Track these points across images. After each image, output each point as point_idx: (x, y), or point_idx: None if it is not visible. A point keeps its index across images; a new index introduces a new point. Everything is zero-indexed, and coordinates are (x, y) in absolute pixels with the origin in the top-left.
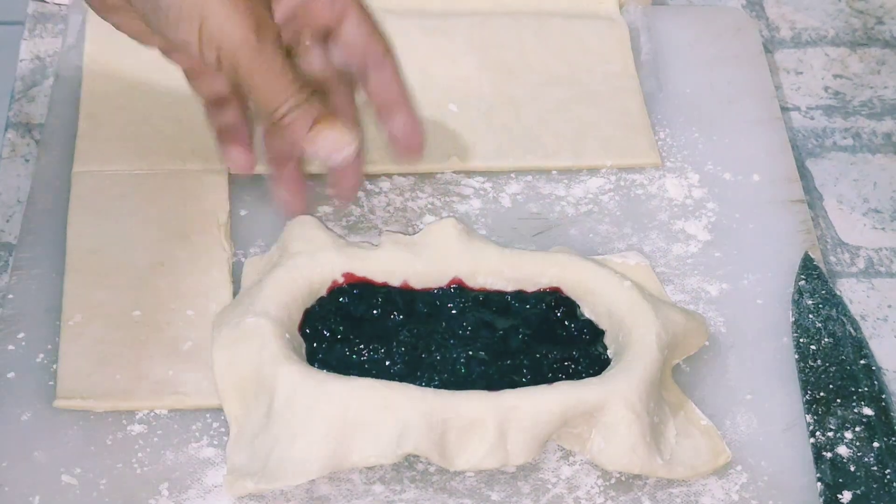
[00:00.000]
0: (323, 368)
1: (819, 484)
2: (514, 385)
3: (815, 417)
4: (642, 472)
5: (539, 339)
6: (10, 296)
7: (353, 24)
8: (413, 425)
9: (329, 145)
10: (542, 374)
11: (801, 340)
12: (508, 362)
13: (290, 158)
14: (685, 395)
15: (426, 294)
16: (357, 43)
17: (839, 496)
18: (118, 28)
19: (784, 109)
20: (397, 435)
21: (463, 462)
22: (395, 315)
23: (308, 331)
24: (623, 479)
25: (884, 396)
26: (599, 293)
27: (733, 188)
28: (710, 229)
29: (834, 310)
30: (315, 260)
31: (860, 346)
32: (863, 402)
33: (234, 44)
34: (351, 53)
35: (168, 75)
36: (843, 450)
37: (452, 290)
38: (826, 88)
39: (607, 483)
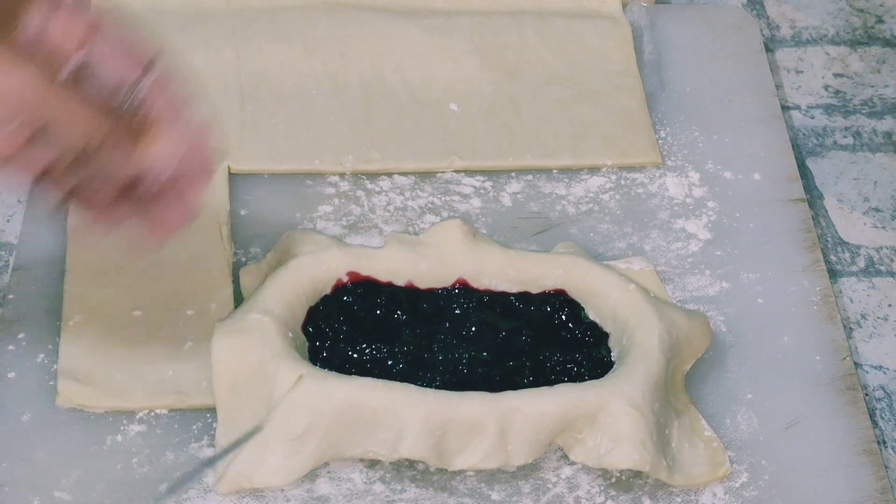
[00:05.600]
0: (325, 367)
1: None
2: (516, 387)
3: None
4: (651, 469)
5: (542, 341)
6: (10, 296)
7: (103, 50)
8: (411, 430)
9: (164, 153)
10: (544, 377)
11: None
12: (511, 364)
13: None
14: (692, 404)
15: (430, 294)
16: (113, 66)
17: None
18: None
19: (784, 108)
20: (394, 438)
21: (462, 462)
22: (398, 315)
23: (311, 329)
24: (623, 478)
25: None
26: (604, 296)
27: (734, 187)
28: (710, 228)
29: None
30: (319, 259)
31: None
32: None
33: (15, 92)
34: (112, 74)
35: None
36: None
37: (457, 290)
38: (826, 87)
39: (607, 482)
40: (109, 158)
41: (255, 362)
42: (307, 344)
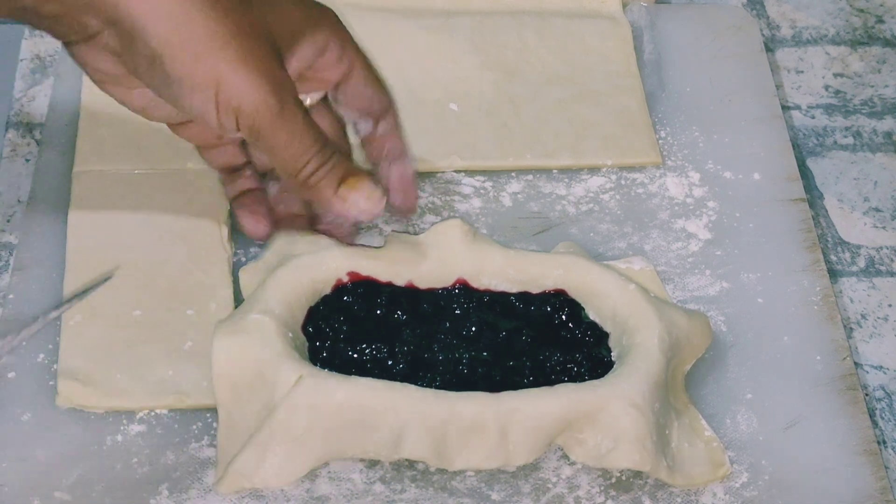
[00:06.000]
0: (326, 367)
1: None
2: (516, 387)
3: None
4: (651, 469)
5: (543, 340)
6: (11, 296)
7: (359, 79)
8: (412, 430)
9: (361, 203)
10: (544, 376)
11: None
12: (511, 364)
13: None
14: (692, 404)
15: (430, 294)
16: (362, 96)
17: None
18: (121, 102)
19: (785, 108)
20: (395, 438)
21: (463, 462)
22: (398, 315)
23: (311, 329)
24: (623, 478)
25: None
26: (604, 296)
27: (734, 187)
28: (710, 228)
29: None
30: (320, 259)
31: None
32: None
33: (253, 106)
34: (355, 107)
35: None
36: None
37: (457, 290)
38: (826, 87)
39: (608, 482)
40: (304, 192)
41: (255, 363)
42: (307, 344)
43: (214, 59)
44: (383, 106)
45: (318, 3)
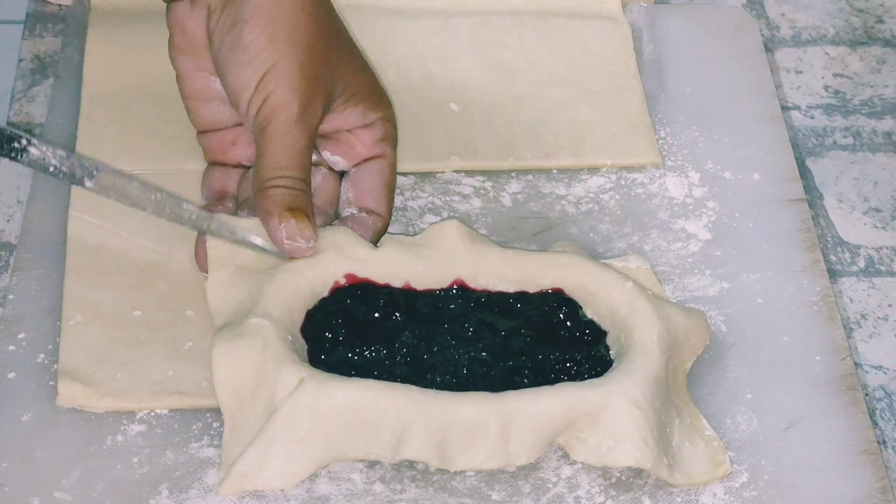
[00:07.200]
0: (325, 369)
1: None
2: (515, 386)
3: None
4: (652, 467)
5: (541, 340)
6: (11, 296)
7: (378, 172)
8: (413, 431)
9: (293, 234)
10: (544, 376)
11: None
12: (510, 363)
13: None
14: (693, 403)
15: (428, 295)
16: (371, 188)
17: None
18: (183, 79)
19: (784, 108)
20: (396, 439)
21: (464, 463)
22: (396, 316)
23: (310, 332)
24: (623, 478)
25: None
26: (602, 294)
27: (734, 187)
28: (710, 228)
29: None
30: (317, 261)
31: None
32: None
33: (281, 100)
34: (359, 191)
35: (168, 76)
36: None
37: (454, 291)
38: (826, 87)
39: (608, 482)
40: (257, 196)
41: (255, 366)
42: (306, 347)
43: (284, 47)
44: (381, 211)
45: (386, 95)
